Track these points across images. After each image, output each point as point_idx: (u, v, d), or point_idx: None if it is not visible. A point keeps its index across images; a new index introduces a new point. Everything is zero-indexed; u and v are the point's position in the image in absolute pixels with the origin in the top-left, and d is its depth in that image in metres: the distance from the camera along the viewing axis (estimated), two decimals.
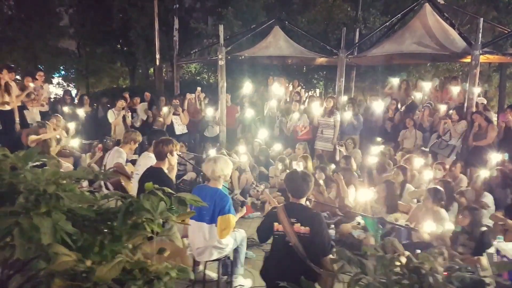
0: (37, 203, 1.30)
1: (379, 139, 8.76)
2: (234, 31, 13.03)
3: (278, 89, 10.48)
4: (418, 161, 7.00)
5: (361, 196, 5.76)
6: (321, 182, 6.77)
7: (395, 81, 10.79)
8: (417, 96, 9.90)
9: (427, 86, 10.00)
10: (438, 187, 5.54)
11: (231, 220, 3.90)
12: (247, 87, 10.54)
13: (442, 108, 8.54)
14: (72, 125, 8.61)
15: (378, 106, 9.36)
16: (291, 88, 11.59)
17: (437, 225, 5.01)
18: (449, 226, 5.09)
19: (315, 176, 6.79)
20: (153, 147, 4.59)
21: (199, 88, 10.61)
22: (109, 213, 1.46)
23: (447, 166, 6.81)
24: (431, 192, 5.30)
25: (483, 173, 6.29)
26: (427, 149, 7.59)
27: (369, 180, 6.99)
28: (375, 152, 7.64)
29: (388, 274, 1.55)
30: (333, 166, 7.48)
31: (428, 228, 4.86)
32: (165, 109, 9.53)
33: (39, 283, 1.30)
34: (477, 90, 8.24)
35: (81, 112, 9.32)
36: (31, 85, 8.87)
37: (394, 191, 5.78)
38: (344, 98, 9.86)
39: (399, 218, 5.68)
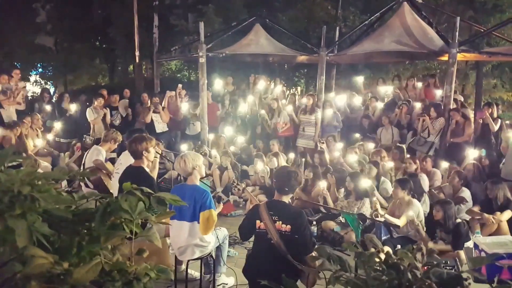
0: (11, 204, 1.26)
1: (357, 135, 8.89)
2: (215, 28, 12.96)
3: (261, 86, 10.51)
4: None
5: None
6: (308, 179, 6.82)
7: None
8: (386, 91, 10.04)
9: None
10: (406, 177, 5.70)
11: (213, 214, 3.89)
12: (217, 83, 10.54)
13: (418, 105, 8.70)
14: (58, 125, 8.44)
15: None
16: (272, 86, 11.61)
17: (409, 215, 5.15)
18: (413, 212, 5.21)
19: (304, 173, 6.88)
20: (127, 147, 4.52)
21: (180, 85, 10.52)
22: (87, 214, 1.43)
23: (418, 161, 6.97)
24: (398, 182, 5.44)
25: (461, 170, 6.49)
26: (403, 145, 7.73)
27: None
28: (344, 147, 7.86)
29: (367, 271, 1.57)
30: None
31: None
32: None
33: (15, 286, 1.27)
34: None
35: (73, 107, 9.12)
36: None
37: (359, 180, 5.91)
38: (330, 95, 9.97)
39: (378, 213, 5.78)
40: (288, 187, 3.51)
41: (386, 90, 9.89)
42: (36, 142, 7.86)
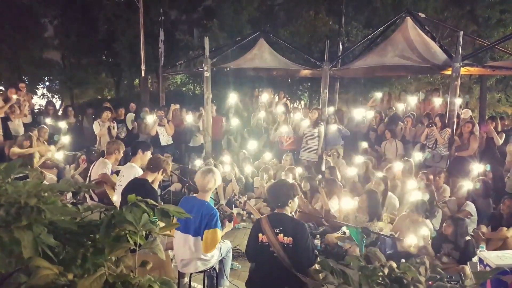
0: (18, 216, 1.28)
1: (364, 144, 8.90)
2: (219, 43, 13.12)
3: (266, 100, 10.58)
4: (397, 167, 7.13)
5: (344, 205, 5.81)
6: (306, 191, 6.79)
7: (379, 95, 11.03)
8: (400, 107, 10.06)
9: (412, 100, 10.22)
10: (423, 199, 5.61)
11: (218, 235, 3.85)
12: (232, 98, 10.59)
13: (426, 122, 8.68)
14: (66, 139, 8.50)
15: (358, 113, 9.54)
16: (277, 99, 11.69)
17: (420, 236, 5.08)
18: (425, 232, 5.15)
19: (301, 186, 6.83)
20: (152, 158, 4.62)
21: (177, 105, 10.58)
22: (92, 226, 1.45)
23: (431, 177, 6.90)
24: (416, 207, 5.36)
25: (466, 184, 6.40)
26: (410, 159, 7.69)
27: (353, 190, 7.05)
28: (358, 163, 7.76)
29: (370, 285, 1.57)
30: (319, 177, 7.55)
31: (411, 241, 4.93)
32: (149, 119, 9.49)
33: None
34: (458, 101, 8.42)
35: (63, 125, 9.21)
36: (14, 97, 8.77)
37: (377, 200, 5.83)
38: (330, 110, 10.00)
39: (383, 227, 5.74)
40: (280, 201, 3.51)
41: (409, 103, 9.92)
42: (56, 155, 8.07)
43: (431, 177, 6.90)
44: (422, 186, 6.39)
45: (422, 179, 6.73)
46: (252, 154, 9.23)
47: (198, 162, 8.15)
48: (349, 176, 7.36)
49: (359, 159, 7.93)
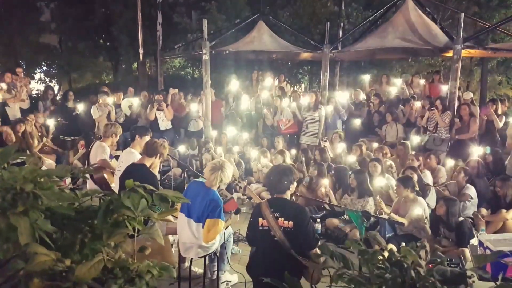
0: (14, 202, 1.27)
1: (357, 121, 8.94)
2: (218, 26, 12.96)
3: (267, 83, 10.49)
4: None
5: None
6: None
7: (366, 78, 10.97)
8: (393, 90, 9.96)
9: (398, 82, 10.15)
10: (408, 175, 5.66)
11: (219, 225, 3.86)
12: (234, 83, 10.50)
13: (418, 104, 8.64)
14: (51, 122, 8.47)
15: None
16: (276, 82, 11.60)
17: (413, 210, 5.13)
18: (419, 211, 5.19)
19: (309, 171, 6.85)
20: (148, 143, 4.59)
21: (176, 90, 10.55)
22: (90, 211, 1.43)
23: (421, 158, 6.92)
24: (400, 181, 5.40)
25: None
26: (407, 142, 7.67)
27: None
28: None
29: (370, 268, 1.56)
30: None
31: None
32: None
33: (18, 283, 1.28)
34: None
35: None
36: (3, 85, 8.72)
37: (364, 177, 5.94)
38: (336, 93, 9.96)
39: (384, 211, 5.76)
40: (279, 186, 3.49)
41: (393, 89, 9.84)
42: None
43: (421, 158, 6.93)
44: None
45: (413, 160, 6.75)
46: (252, 139, 9.21)
47: (181, 148, 8.32)
48: (336, 156, 7.45)
49: (341, 145, 7.98)
